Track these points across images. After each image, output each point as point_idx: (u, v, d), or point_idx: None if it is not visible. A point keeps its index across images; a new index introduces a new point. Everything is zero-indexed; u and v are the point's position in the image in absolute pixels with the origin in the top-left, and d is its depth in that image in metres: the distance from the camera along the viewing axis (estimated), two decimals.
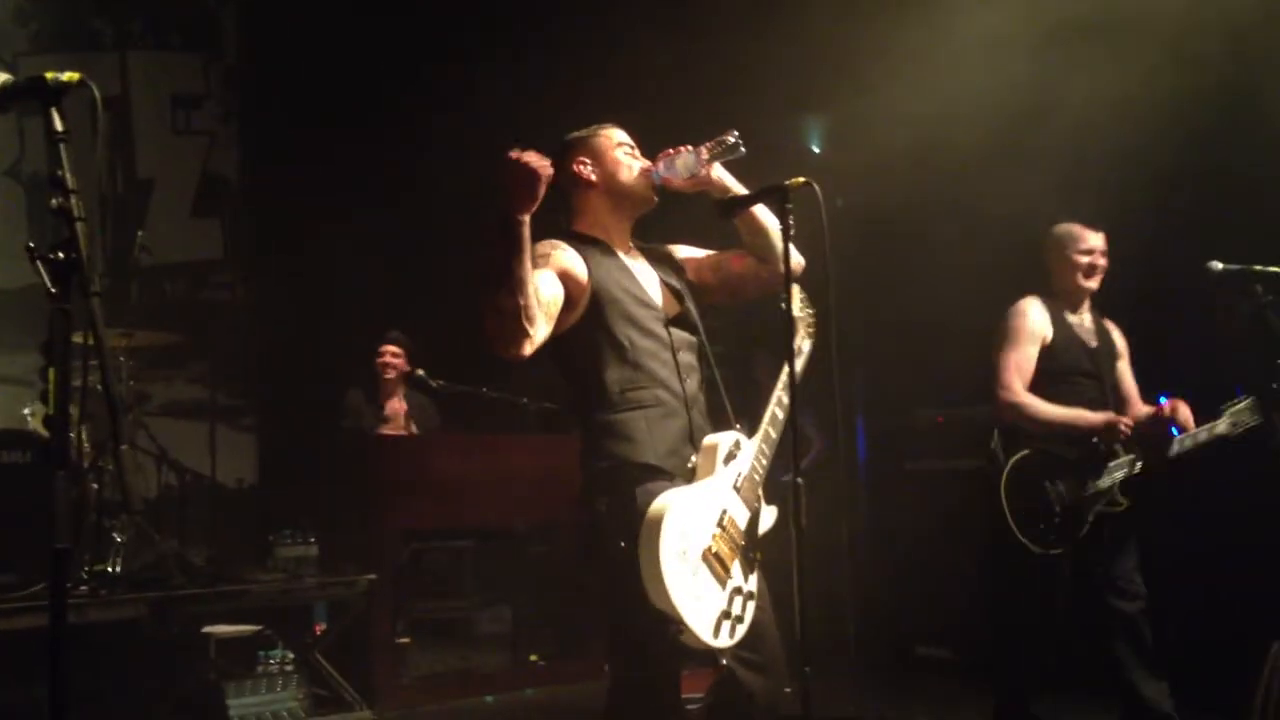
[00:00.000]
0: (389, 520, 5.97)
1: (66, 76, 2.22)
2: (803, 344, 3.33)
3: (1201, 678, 4.60)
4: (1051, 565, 4.25)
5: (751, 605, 3.03)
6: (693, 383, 3.20)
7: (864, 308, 6.49)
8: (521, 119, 6.84)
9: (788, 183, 2.94)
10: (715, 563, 2.98)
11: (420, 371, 6.66)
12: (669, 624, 2.84)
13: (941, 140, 5.64)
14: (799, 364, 3.27)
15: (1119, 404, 4.51)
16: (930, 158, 5.81)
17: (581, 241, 3.19)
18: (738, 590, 3.00)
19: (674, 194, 3.22)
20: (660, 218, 3.29)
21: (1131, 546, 4.38)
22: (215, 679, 5.26)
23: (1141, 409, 4.51)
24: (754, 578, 3.08)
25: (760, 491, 3.18)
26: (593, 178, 3.24)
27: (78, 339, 2.19)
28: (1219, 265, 4.30)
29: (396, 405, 6.87)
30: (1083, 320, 4.53)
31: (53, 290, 2.17)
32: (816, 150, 7.19)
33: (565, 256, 3.09)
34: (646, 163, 3.24)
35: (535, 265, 2.93)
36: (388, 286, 7.58)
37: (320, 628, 5.95)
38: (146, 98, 8.36)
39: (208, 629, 5.47)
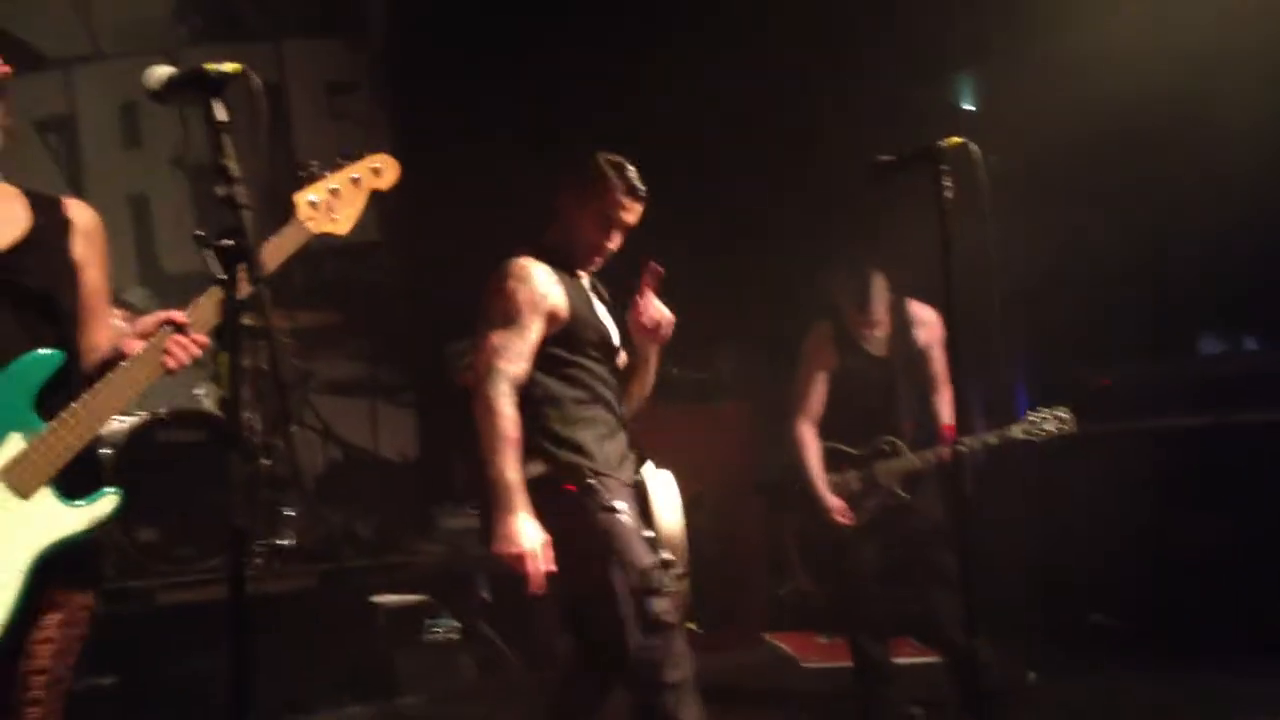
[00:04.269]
0: None
1: (228, 68, 2.26)
2: None
3: None
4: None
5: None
6: (624, 408, 3.51)
7: (1021, 269, 6.29)
8: (679, 90, 6.82)
9: (941, 144, 2.86)
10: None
11: None
12: (656, 576, 3.23)
13: (1106, 91, 5.41)
14: None
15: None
16: (1093, 111, 5.59)
17: (555, 257, 3.44)
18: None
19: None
20: None
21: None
22: (385, 647, 5.41)
23: None
24: None
25: None
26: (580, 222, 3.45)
27: (247, 321, 2.26)
28: None
29: None
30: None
31: (222, 277, 2.22)
32: (969, 108, 6.98)
33: (552, 297, 3.35)
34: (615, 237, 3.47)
35: (525, 314, 3.29)
36: None
37: (485, 596, 6.06)
38: (302, 85, 8.55)
39: (376, 599, 5.63)
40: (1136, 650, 5.61)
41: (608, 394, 3.45)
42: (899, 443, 4.67)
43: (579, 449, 3.32)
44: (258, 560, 5.32)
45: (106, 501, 2.59)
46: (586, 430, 3.35)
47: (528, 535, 3.16)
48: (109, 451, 4.94)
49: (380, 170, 3.01)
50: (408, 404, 8.60)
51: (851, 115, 6.15)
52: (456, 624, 5.54)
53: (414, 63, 8.63)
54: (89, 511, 2.57)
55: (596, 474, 3.30)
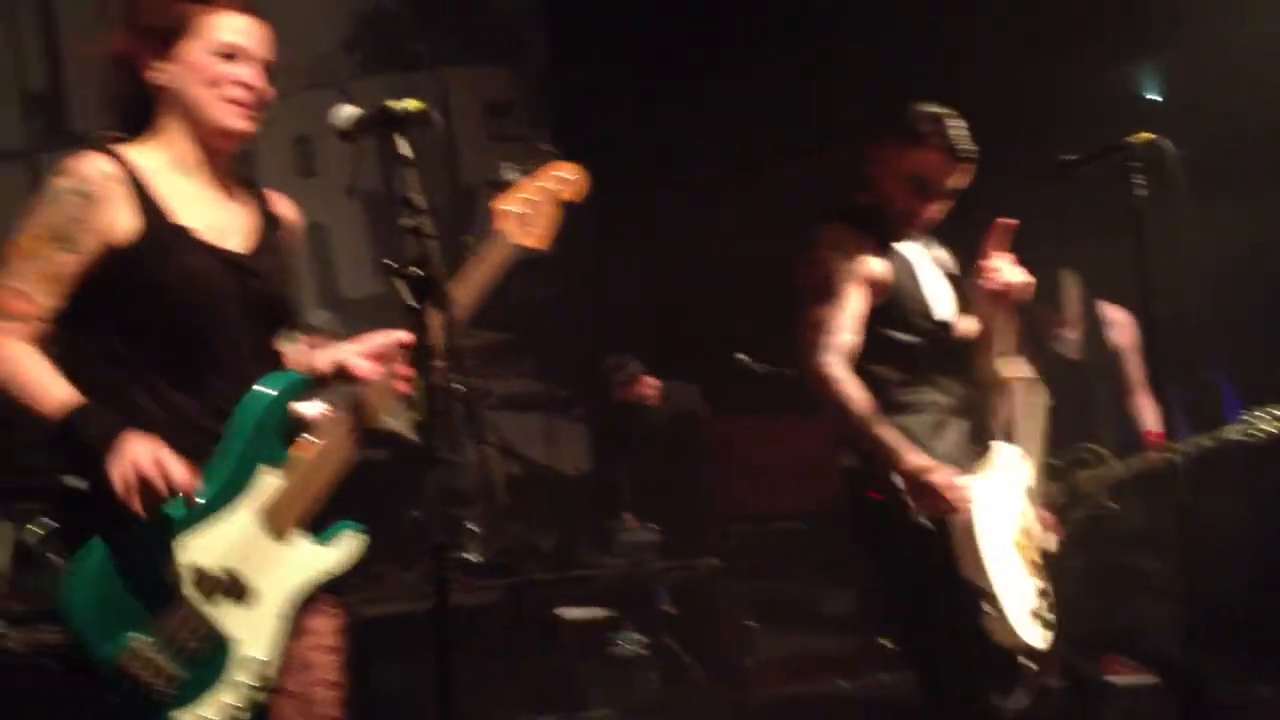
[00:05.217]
0: (726, 502, 6.07)
1: (410, 105, 2.33)
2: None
3: None
4: None
5: (1052, 617, 2.95)
6: (967, 389, 3.15)
7: (1223, 264, 5.98)
8: (851, 91, 6.75)
9: (1131, 140, 2.76)
10: (1021, 554, 2.92)
11: (742, 356, 6.71)
12: (979, 601, 2.77)
13: None
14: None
15: None
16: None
17: (866, 225, 3.11)
18: (1043, 593, 2.92)
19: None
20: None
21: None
22: (570, 661, 5.48)
23: None
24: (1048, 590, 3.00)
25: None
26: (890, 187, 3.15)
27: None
28: None
29: None
30: None
31: (412, 304, 2.28)
32: (1155, 99, 6.69)
33: (870, 263, 3.06)
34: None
35: (842, 283, 3.00)
36: (700, 275, 7.66)
37: (667, 609, 6.08)
38: (464, 110, 8.74)
39: (559, 612, 5.69)
40: None
41: (939, 374, 3.08)
42: (1103, 450, 4.51)
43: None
44: (448, 575, 5.43)
45: (354, 538, 2.50)
46: (912, 417, 3.00)
47: (928, 463, 2.83)
48: None
49: (570, 179, 2.87)
50: (579, 418, 8.70)
51: (1033, 107, 5.99)
52: (640, 637, 5.57)
53: (572, 82, 8.75)
54: (339, 551, 2.48)
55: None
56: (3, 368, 2.26)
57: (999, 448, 3.10)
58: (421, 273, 2.27)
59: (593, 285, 8.42)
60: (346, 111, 2.41)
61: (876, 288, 3.04)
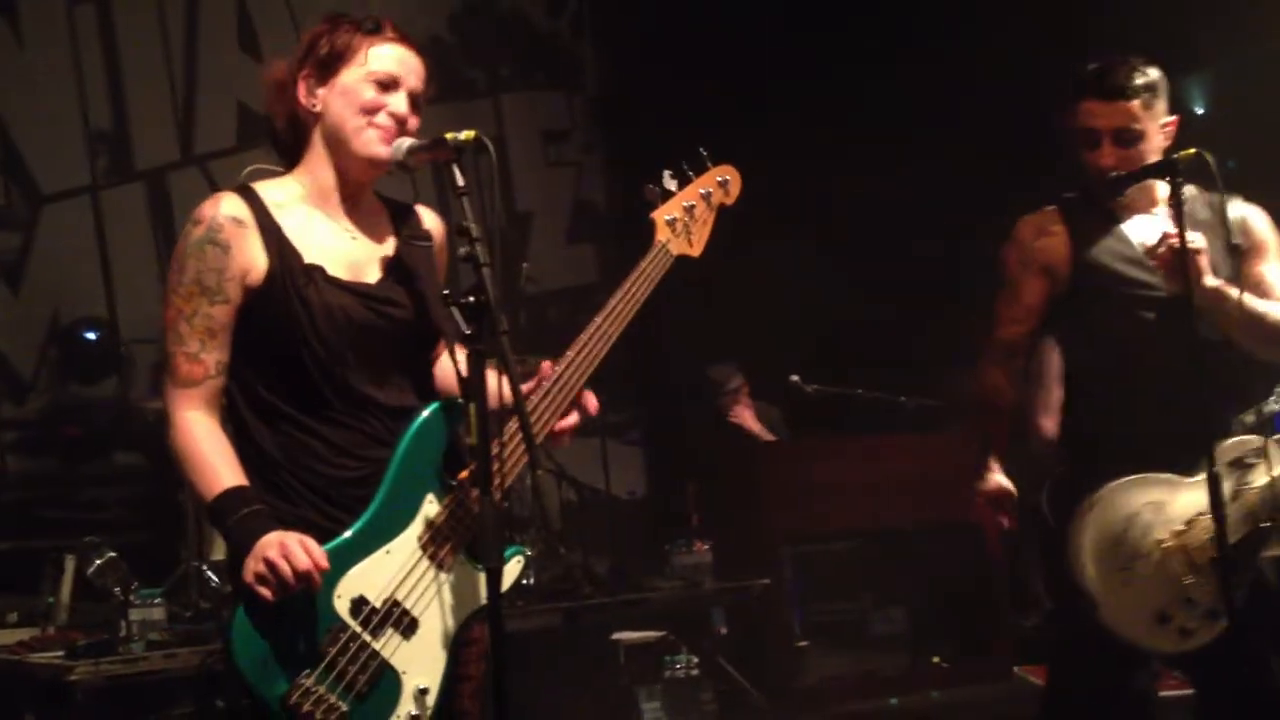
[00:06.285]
0: (777, 524, 6.08)
1: (464, 136, 2.34)
2: None
3: None
4: None
5: (1215, 624, 2.78)
6: (1178, 378, 2.84)
7: None
8: (906, 104, 6.75)
9: (1176, 156, 2.76)
10: (1168, 559, 2.79)
11: (794, 378, 6.72)
12: (1084, 599, 2.77)
13: None
14: None
15: None
16: None
17: (1075, 204, 3.06)
18: (1188, 601, 2.78)
19: None
20: None
21: None
22: (627, 684, 5.50)
23: None
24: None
25: None
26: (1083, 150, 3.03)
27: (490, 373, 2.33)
28: None
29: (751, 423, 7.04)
30: None
31: (466, 332, 2.30)
32: (1200, 111, 6.68)
33: (1045, 251, 3.02)
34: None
35: (1013, 274, 3.03)
36: (754, 301, 7.67)
37: (720, 631, 6.09)
38: (519, 135, 8.83)
39: (616, 635, 5.72)
40: None
41: (1144, 353, 2.91)
42: None
43: (1071, 436, 3.03)
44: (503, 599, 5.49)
45: (516, 563, 2.45)
46: (1099, 403, 2.97)
47: (984, 482, 2.98)
48: None
49: (727, 183, 2.80)
50: (634, 442, 8.72)
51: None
52: (695, 660, 5.58)
53: (627, 106, 8.81)
54: (505, 576, 2.34)
55: (1080, 467, 2.94)
56: (182, 442, 2.32)
57: (1227, 444, 2.88)
58: (474, 300, 2.29)
59: (648, 306, 8.45)
60: (404, 142, 2.45)
61: (1052, 272, 3.02)
